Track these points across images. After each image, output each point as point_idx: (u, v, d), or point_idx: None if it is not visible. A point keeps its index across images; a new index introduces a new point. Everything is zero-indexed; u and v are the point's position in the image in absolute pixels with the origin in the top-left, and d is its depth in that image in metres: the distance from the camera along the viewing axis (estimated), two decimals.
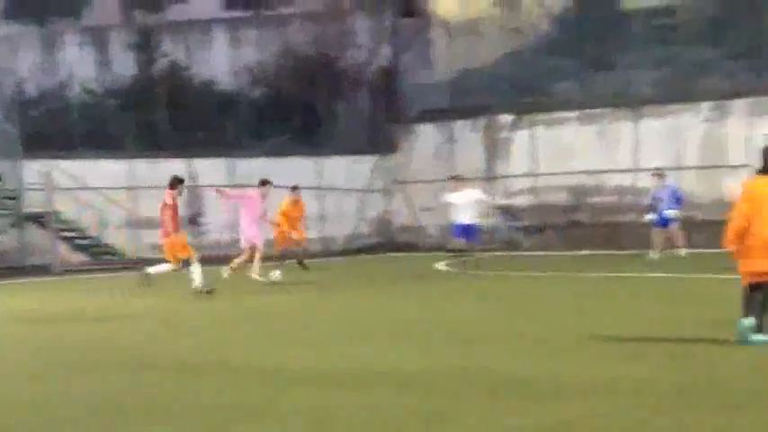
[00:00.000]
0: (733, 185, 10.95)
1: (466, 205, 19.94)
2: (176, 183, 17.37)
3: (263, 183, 19.51)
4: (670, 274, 17.73)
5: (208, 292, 16.41)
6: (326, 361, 9.36)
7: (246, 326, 12.70)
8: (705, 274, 17.37)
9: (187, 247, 17.11)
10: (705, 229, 23.59)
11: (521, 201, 28.65)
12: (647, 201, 23.15)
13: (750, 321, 9.20)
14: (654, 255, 21.54)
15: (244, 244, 19.05)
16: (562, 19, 30.69)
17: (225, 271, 18.64)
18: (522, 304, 14.34)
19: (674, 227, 21.80)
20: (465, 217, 19.83)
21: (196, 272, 16.68)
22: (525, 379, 8.03)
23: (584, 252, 24.43)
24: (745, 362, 8.54)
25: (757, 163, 9.53)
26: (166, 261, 17.13)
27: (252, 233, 18.79)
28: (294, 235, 21.27)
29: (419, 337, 10.90)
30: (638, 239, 22.80)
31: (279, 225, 20.83)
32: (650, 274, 18.02)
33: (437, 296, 16.05)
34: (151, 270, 17.45)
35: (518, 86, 29.53)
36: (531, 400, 7.16)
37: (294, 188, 22.27)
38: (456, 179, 21.02)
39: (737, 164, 24.11)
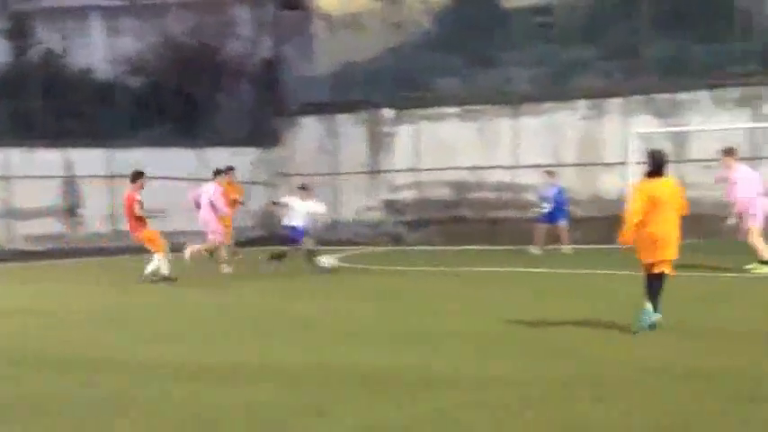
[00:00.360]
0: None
1: (299, 212, 20.04)
2: (138, 176, 17.49)
3: (219, 172, 19.74)
4: (551, 270, 18.13)
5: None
6: (209, 357, 9.35)
7: (128, 321, 12.47)
8: (584, 269, 17.90)
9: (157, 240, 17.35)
10: (583, 225, 24.29)
11: (404, 195, 28.86)
12: (533, 197, 23.67)
13: (648, 307, 10.13)
14: (535, 250, 22.03)
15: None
16: (443, 15, 31.02)
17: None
18: (402, 299, 14.46)
19: (561, 224, 22.31)
20: (295, 220, 19.93)
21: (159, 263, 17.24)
22: (401, 372, 8.25)
23: (466, 247, 24.75)
24: (618, 355, 8.88)
25: (639, 162, 10.22)
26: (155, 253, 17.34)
27: (214, 227, 18.89)
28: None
29: (300, 332, 10.96)
30: (519, 235, 23.27)
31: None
32: (532, 270, 18.39)
33: (319, 291, 16.01)
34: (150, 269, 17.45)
35: (400, 81, 29.71)
36: (406, 394, 7.40)
37: (229, 168, 21.93)
38: (302, 189, 21.08)
39: (613, 161, 24.87)
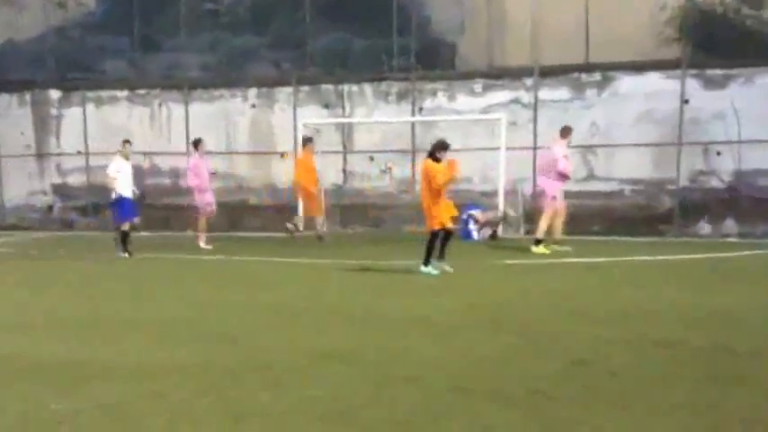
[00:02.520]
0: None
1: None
2: None
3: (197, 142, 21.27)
4: (223, 257, 18.67)
5: None
6: None
7: None
8: (263, 257, 18.63)
9: None
10: (260, 213, 25.19)
11: (74, 180, 28.39)
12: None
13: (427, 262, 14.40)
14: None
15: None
16: None
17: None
18: (72, 286, 14.33)
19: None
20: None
21: None
22: (75, 363, 8.10)
23: (149, 233, 24.54)
24: (287, 342, 9.04)
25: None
26: None
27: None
28: None
29: None
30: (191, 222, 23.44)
31: None
32: (209, 257, 18.81)
33: None
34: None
35: (66, 62, 29.16)
36: (81, 385, 7.30)
37: None
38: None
39: (285, 150, 25.88)
